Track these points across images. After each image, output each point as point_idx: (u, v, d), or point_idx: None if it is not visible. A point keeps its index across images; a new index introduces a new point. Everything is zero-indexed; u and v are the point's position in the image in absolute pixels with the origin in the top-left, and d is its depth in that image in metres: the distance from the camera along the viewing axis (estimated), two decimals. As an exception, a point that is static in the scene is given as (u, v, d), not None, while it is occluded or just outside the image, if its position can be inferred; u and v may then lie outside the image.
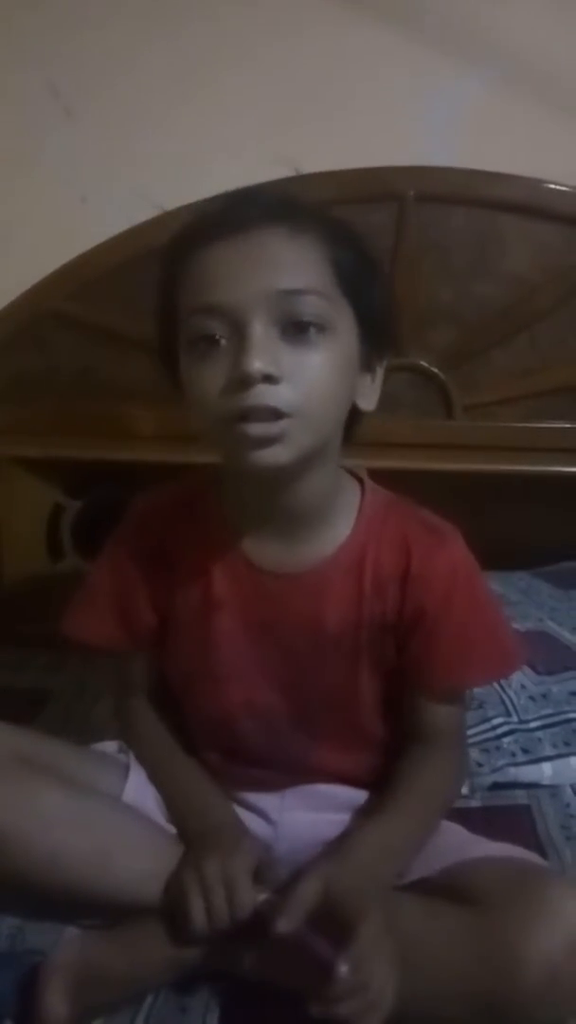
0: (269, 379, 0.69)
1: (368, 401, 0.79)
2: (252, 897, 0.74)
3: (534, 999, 0.65)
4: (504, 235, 1.36)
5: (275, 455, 0.70)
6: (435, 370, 1.41)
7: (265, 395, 0.69)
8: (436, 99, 1.36)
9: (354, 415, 0.80)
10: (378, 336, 0.78)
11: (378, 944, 0.66)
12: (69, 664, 1.37)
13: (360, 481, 0.86)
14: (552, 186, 1.34)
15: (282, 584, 0.82)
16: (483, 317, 1.39)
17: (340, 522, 0.83)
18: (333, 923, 0.67)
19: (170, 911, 0.77)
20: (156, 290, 0.78)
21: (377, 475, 0.88)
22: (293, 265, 0.71)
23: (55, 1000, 0.73)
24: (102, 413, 1.45)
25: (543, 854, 0.93)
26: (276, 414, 0.69)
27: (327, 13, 1.34)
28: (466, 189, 1.35)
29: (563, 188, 1.34)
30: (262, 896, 0.75)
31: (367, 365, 0.78)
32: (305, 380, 0.70)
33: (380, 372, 0.80)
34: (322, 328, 0.72)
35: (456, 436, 1.42)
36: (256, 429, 0.69)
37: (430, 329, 1.39)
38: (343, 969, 0.63)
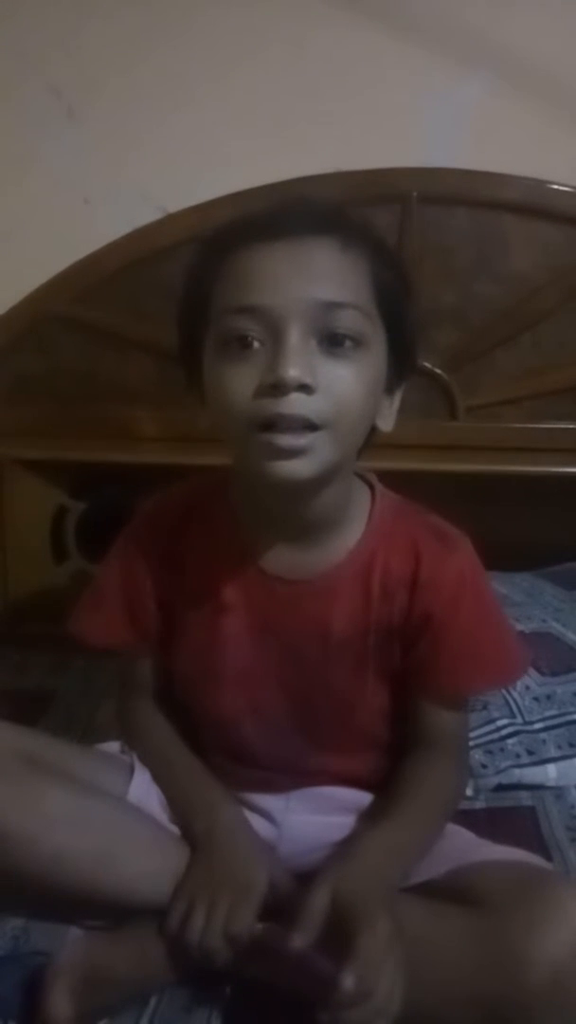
0: (304, 388, 0.68)
1: (386, 422, 0.79)
2: (250, 930, 0.74)
3: (539, 1002, 0.65)
4: (507, 236, 1.36)
5: (298, 468, 0.70)
6: (438, 371, 1.41)
7: (298, 404, 0.68)
8: (438, 100, 1.36)
9: (369, 434, 0.80)
10: (404, 360, 0.78)
11: (385, 950, 0.65)
12: (73, 665, 1.37)
13: (371, 486, 0.86)
14: (554, 186, 1.34)
15: (292, 589, 0.82)
16: (486, 318, 1.39)
17: (351, 528, 0.83)
18: (340, 930, 0.67)
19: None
20: (186, 283, 0.77)
21: (381, 476, 0.88)
22: (339, 278, 0.71)
23: (59, 1001, 0.73)
24: (105, 415, 1.45)
25: (548, 855, 0.93)
26: (306, 424, 0.69)
27: (329, 15, 1.34)
28: (469, 190, 1.35)
29: (565, 188, 1.34)
30: (260, 926, 0.75)
31: (389, 387, 0.78)
32: (338, 393, 0.70)
33: (399, 395, 0.80)
34: (358, 343, 0.71)
35: (460, 437, 1.42)
36: (283, 440, 0.69)
37: (433, 330, 1.39)
38: (347, 983, 0.62)
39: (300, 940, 0.66)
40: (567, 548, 1.45)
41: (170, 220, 1.39)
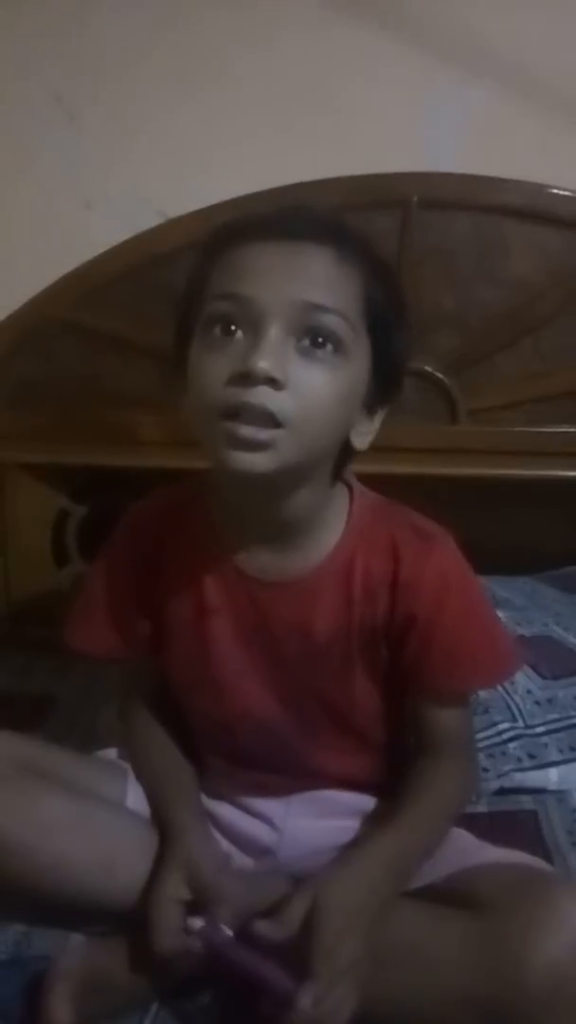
0: (272, 383, 0.68)
1: (362, 440, 0.79)
2: (171, 922, 0.75)
3: (539, 1004, 0.65)
4: (508, 240, 1.37)
5: (256, 461, 0.70)
6: (439, 375, 1.41)
7: (264, 396, 0.68)
8: (440, 105, 1.37)
9: (347, 451, 0.79)
10: (388, 381, 0.78)
11: (339, 973, 0.68)
12: (75, 669, 1.37)
13: (349, 486, 0.86)
14: (555, 191, 1.35)
15: (272, 592, 0.82)
16: (487, 322, 1.39)
17: (329, 529, 0.82)
18: (305, 941, 0.69)
19: None
20: (188, 276, 0.77)
21: (382, 480, 0.88)
22: (329, 285, 0.71)
23: (60, 1006, 0.74)
24: (107, 419, 1.45)
25: (549, 860, 0.92)
26: (269, 419, 0.69)
27: (331, 19, 1.34)
28: (469, 194, 1.35)
29: (566, 193, 1.34)
30: (196, 922, 0.75)
31: (370, 406, 0.78)
32: (307, 395, 0.70)
33: (380, 416, 0.80)
34: (337, 350, 0.71)
35: (461, 441, 1.42)
36: (245, 431, 0.69)
37: (434, 334, 1.39)
38: (304, 1002, 0.66)
39: (267, 929, 0.69)
40: (568, 552, 1.45)
41: (170, 225, 1.40)
